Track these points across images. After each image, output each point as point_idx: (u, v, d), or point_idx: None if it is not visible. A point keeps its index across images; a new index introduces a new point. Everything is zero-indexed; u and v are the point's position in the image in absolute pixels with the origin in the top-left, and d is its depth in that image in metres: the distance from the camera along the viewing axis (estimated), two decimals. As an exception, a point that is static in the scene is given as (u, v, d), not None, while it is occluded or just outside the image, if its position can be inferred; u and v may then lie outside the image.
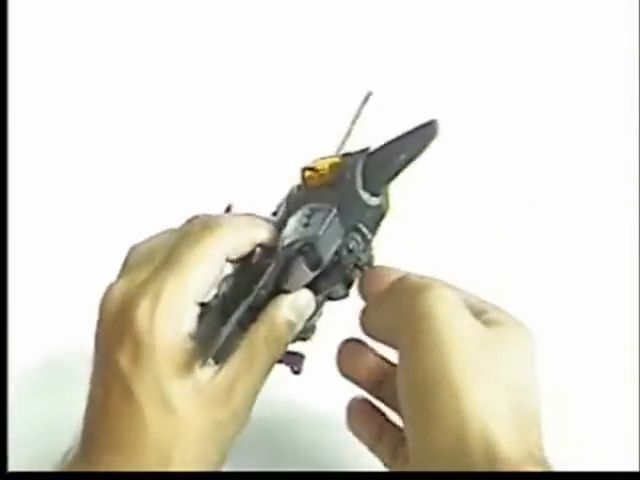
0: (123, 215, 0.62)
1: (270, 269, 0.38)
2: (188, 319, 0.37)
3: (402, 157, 0.38)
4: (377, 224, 0.39)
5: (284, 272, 0.39)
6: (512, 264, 0.58)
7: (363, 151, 0.39)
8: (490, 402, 0.33)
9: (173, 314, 0.37)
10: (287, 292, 0.39)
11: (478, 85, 0.70)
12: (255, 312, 0.39)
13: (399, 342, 0.36)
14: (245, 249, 0.39)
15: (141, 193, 0.64)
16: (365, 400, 0.43)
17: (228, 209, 0.44)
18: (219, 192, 0.63)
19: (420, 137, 0.37)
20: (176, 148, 0.68)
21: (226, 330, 0.36)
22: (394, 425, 0.42)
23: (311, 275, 0.39)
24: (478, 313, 0.36)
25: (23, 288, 0.57)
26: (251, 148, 0.66)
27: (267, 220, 0.41)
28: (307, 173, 0.40)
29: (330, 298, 0.41)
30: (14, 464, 0.46)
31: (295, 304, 0.39)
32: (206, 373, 0.37)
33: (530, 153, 0.66)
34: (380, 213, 0.39)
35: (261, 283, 0.38)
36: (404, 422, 0.36)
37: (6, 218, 0.56)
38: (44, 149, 0.68)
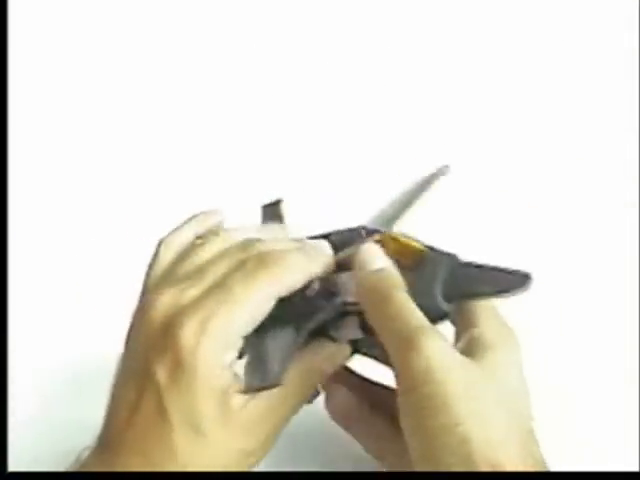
0: (126, 223, 0.62)
1: (323, 314, 0.40)
2: (232, 351, 0.37)
3: (487, 290, 0.38)
4: (438, 320, 0.39)
5: (336, 321, 0.40)
6: (512, 264, 0.58)
7: (450, 258, 0.39)
8: (497, 439, 0.33)
9: (219, 344, 0.37)
10: (330, 336, 0.41)
11: (478, 85, 0.70)
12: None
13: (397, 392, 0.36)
14: (298, 286, 0.39)
15: (145, 200, 0.64)
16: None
17: (277, 203, 0.44)
18: (219, 193, 0.63)
19: (511, 285, 0.38)
20: (180, 148, 0.68)
21: (274, 370, 0.38)
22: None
23: (360, 336, 0.40)
24: (467, 349, 0.36)
25: (25, 292, 0.58)
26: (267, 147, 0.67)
27: (327, 251, 0.41)
28: (386, 240, 0.40)
29: (363, 353, 0.43)
30: (14, 464, 0.46)
31: (334, 358, 0.41)
32: (239, 401, 0.37)
33: (530, 153, 0.66)
34: (446, 315, 0.39)
35: (311, 324, 0.39)
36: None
37: (6, 224, 0.56)
38: (44, 154, 0.68)
